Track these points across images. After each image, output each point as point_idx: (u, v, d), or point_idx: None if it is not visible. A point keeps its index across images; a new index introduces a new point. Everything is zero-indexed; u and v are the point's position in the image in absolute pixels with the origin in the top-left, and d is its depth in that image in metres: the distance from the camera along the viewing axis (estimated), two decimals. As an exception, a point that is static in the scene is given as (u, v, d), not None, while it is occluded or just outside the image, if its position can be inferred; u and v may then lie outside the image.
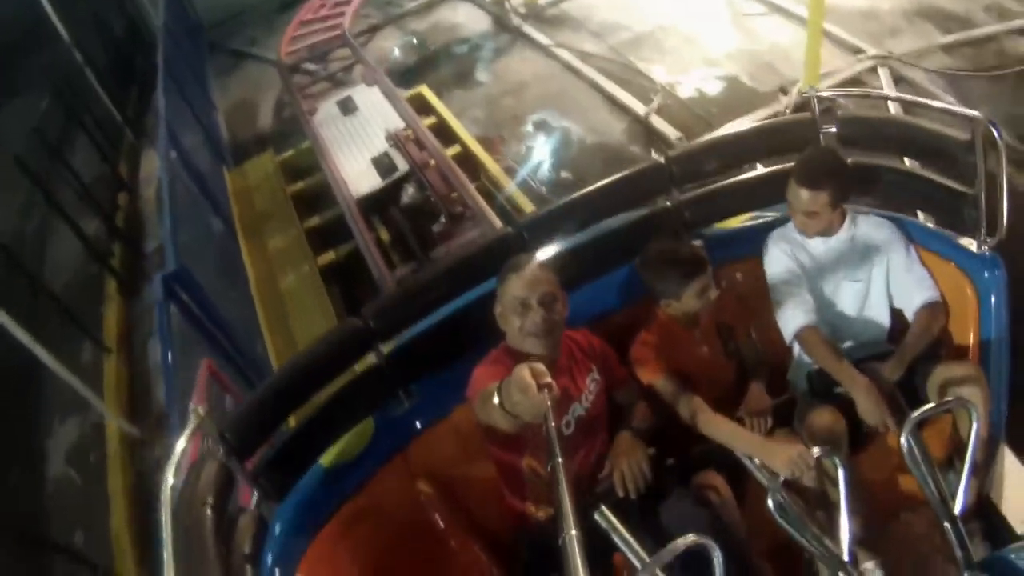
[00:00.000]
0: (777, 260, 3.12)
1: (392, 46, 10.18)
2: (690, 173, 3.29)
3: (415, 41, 10.13)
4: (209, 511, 2.14)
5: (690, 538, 1.78)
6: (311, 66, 9.24)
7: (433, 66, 9.38)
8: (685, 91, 7.52)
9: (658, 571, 1.84)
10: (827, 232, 3.07)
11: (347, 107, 7.64)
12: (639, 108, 7.32)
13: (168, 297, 4.24)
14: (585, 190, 3.20)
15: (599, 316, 3.14)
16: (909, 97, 3.74)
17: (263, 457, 2.70)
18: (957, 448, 2.70)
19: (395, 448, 2.92)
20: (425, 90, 8.43)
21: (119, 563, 5.11)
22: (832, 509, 2.45)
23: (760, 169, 3.42)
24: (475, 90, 8.63)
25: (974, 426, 2.42)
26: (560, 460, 1.65)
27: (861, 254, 3.08)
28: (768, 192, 3.31)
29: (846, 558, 2.32)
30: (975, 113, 2.70)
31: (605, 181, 3.24)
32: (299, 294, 6.30)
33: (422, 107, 8.05)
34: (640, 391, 2.93)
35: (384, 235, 6.33)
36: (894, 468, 2.90)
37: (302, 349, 2.93)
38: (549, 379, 1.85)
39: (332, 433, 2.84)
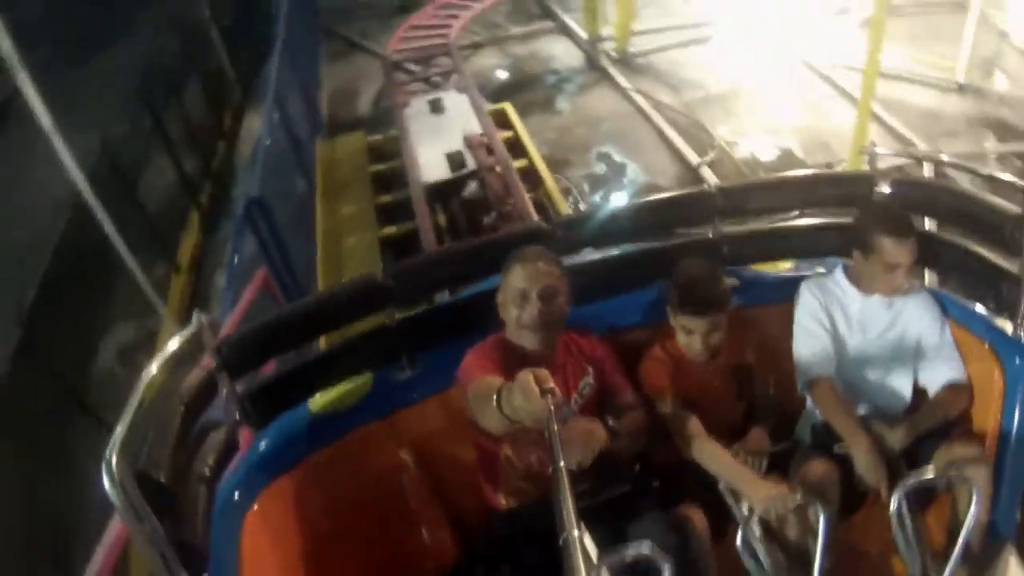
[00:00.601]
0: (808, 306, 3.01)
1: (490, 63, 11.03)
2: (737, 208, 3.21)
3: (511, 63, 10.95)
4: (182, 408, 2.20)
5: (644, 545, 1.74)
6: (413, 66, 10.07)
7: (521, 88, 10.20)
8: (740, 152, 8.19)
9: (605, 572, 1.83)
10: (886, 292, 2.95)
11: (436, 106, 8.38)
12: (694, 158, 8.01)
13: (247, 218, 4.98)
14: (628, 204, 3.30)
15: (615, 330, 3.07)
16: (968, 166, 3.70)
17: (255, 383, 2.75)
18: (953, 538, 2.50)
19: (386, 411, 2.88)
20: (508, 107, 9.12)
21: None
22: (809, 567, 2.33)
23: (807, 219, 3.36)
24: (554, 116, 9.43)
25: (973, 506, 2.32)
26: (562, 463, 1.66)
27: (895, 321, 2.97)
28: (812, 242, 3.29)
29: None
30: None
31: (650, 199, 3.23)
32: (357, 255, 7.04)
33: (502, 121, 8.74)
34: (639, 404, 2.83)
35: (441, 220, 7.06)
36: (884, 545, 2.77)
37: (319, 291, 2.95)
38: (552, 384, 1.86)
39: (328, 378, 2.83)
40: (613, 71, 10.23)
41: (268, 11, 12.94)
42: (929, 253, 2.97)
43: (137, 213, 7.76)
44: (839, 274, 3.04)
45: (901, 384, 2.99)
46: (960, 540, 2.30)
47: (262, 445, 2.64)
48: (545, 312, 2.57)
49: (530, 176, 7.71)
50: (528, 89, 10.17)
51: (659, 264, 3.06)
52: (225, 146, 10.10)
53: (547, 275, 2.60)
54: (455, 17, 11.26)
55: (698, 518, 2.56)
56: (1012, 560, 2.64)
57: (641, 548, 1.72)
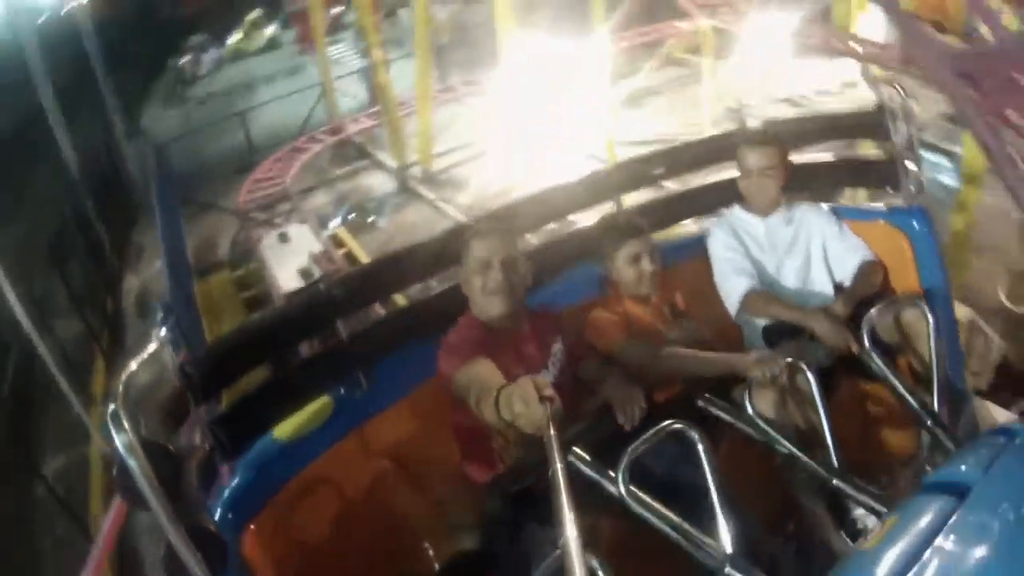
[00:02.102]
0: (720, 240, 3.24)
1: (322, 200, 13.49)
2: (634, 178, 3.45)
3: (339, 197, 13.47)
4: (162, 417, 2.13)
5: (671, 424, 1.79)
6: (260, 213, 12.39)
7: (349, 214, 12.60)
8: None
9: (622, 486, 1.88)
10: (771, 209, 3.22)
11: (284, 238, 10.62)
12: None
13: (165, 317, 6.98)
14: (537, 191, 3.33)
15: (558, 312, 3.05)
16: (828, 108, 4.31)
17: (219, 412, 2.66)
18: (916, 379, 2.77)
19: (353, 426, 2.85)
20: (342, 230, 11.64)
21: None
22: (810, 432, 2.45)
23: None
24: (377, 232, 11.84)
25: (931, 327, 2.42)
26: (560, 466, 1.66)
27: (798, 232, 3.21)
28: (708, 201, 3.55)
29: (835, 463, 2.26)
30: (880, 77, 3.24)
31: (554, 185, 3.36)
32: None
33: (338, 242, 11.18)
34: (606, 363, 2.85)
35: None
36: (859, 425, 2.98)
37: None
38: (551, 392, 1.86)
39: (288, 404, 2.74)
40: (421, 189, 12.81)
41: (127, 188, 15.36)
42: (808, 176, 3.26)
43: (58, 357, 9.57)
44: (736, 209, 3.37)
45: (821, 285, 3.22)
46: (933, 364, 2.43)
47: (237, 480, 2.56)
48: (508, 277, 2.62)
49: (365, 279, 10.07)
50: (354, 215, 12.56)
51: (574, 247, 3.25)
52: (112, 301, 12.06)
53: (506, 245, 2.67)
54: (287, 168, 13.91)
55: (690, 431, 2.56)
56: (988, 405, 2.98)
57: (672, 426, 1.79)
